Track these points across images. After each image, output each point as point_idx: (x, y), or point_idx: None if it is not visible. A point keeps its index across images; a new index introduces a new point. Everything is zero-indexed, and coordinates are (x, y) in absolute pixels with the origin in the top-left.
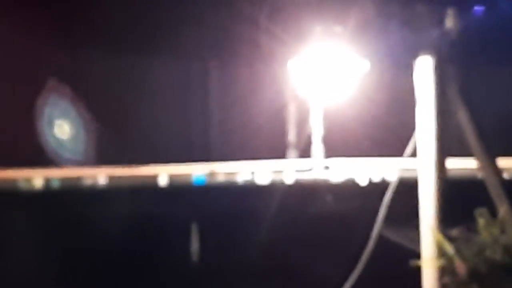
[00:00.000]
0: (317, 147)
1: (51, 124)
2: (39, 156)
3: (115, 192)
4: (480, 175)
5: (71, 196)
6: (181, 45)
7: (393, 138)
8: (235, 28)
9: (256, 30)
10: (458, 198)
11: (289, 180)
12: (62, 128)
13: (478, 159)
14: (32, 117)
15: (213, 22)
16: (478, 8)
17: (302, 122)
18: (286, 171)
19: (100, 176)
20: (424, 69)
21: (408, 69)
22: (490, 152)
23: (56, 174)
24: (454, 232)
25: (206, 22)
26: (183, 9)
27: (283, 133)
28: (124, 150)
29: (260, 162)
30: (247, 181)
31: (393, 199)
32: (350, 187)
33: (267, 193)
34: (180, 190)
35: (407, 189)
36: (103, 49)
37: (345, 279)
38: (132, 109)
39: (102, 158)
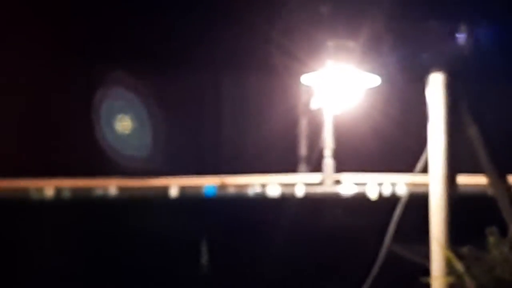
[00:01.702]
0: (328, 162)
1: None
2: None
3: (125, 203)
4: (490, 192)
5: (81, 206)
6: (194, 59)
7: (404, 154)
8: (248, 43)
9: (269, 45)
10: (468, 215)
11: (299, 193)
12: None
13: (488, 176)
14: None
15: (226, 36)
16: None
17: (314, 137)
18: (297, 184)
19: (111, 186)
20: (436, 85)
21: (420, 85)
22: (501, 169)
23: (67, 184)
24: (464, 249)
25: (219, 37)
26: (196, 24)
27: (294, 148)
28: (136, 162)
29: (271, 176)
30: (258, 193)
31: (403, 214)
32: (360, 201)
33: (277, 206)
34: (190, 202)
35: (418, 204)
36: (116, 63)
37: None
38: (143, 122)
39: (113, 169)
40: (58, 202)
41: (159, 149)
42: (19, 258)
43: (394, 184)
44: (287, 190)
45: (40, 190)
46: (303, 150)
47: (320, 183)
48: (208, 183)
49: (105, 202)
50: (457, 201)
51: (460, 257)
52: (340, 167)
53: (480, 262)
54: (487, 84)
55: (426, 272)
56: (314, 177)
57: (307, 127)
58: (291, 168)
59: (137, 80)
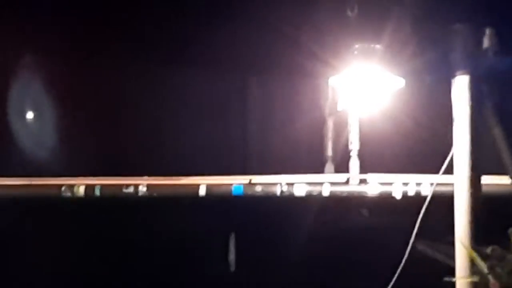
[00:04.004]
0: (354, 162)
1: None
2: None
3: (155, 201)
4: None
5: (112, 204)
6: (222, 60)
7: (429, 154)
8: (275, 44)
9: (296, 47)
10: (492, 215)
11: (325, 192)
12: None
13: (511, 176)
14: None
15: (253, 38)
16: None
17: (340, 137)
18: (323, 183)
19: (141, 185)
20: (461, 87)
21: (445, 87)
22: None
23: (98, 182)
24: (488, 250)
25: (246, 38)
26: (224, 25)
27: (320, 148)
28: (164, 162)
29: (298, 175)
30: (284, 192)
31: (429, 214)
32: (385, 200)
33: (303, 204)
34: (218, 200)
35: (443, 204)
36: (144, 63)
37: None
38: (173, 123)
39: (143, 168)
40: (88, 200)
41: (187, 149)
42: (51, 253)
43: (419, 184)
44: (313, 189)
45: (71, 187)
46: (329, 150)
47: (346, 183)
48: (236, 182)
49: (134, 200)
50: (481, 201)
51: (484, 257)
52: (366, 167)
53: (504, 262)
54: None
55: (451, 271)
56: (340, 177)
57: (333, 128)
58: (318, 168)
59: (165, 82)
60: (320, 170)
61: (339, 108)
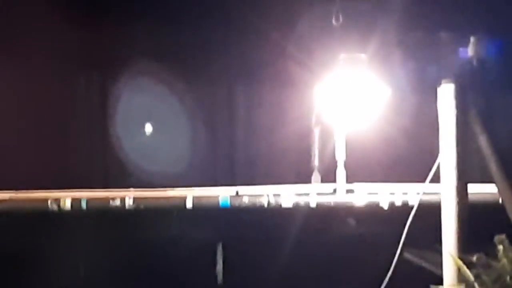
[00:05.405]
0: (340, 172)
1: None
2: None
3: (142, 214)
4: (500, 200)
5: (98, 217)
6: (207, 69)
7: (416, 164)
8: (261, 54)
9: (282, 56)
10: (479, 223)
11: (312, 203)
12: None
13: (497, 184)
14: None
15: (240, 47)
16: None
17: (326, 147)
18: (310, 194)
19: (128, 198)
20: (446, 96)
21: (431, 95)
22: (510, 177)
23: (84, 195)
24: (474, 257)
25: (232, 48)
26: (210, 34)
27: (307, 158)
28: (150, 173)
29: (284, 186)
30: (271, 203)
31: (416, 223)
32: (372, 210)
33: (291, 215)
34: (205, 212)
35: (430, 213)
36: (128, 73)
37: None
38: (159, 133)
39: (129, 180)
40: (75, 213)
41: (174, 160)
42: (36, 267)
43: (406, 193)
44: (300, 200)
45: (57, 201)
46: (316, 160)
47: (333, 193)
48: (222, 193)
49: (121, 213)
50: (468, 209)
51: (471, 265)
52: (352, 177)
53: (490, 270)
54: (496, 94)
55: (438, 280)
56: (327, 187)
57: (319, 137)
58: (304, 178)
59: (151, 92)
60: (307, 179)
61: (325, 117)
